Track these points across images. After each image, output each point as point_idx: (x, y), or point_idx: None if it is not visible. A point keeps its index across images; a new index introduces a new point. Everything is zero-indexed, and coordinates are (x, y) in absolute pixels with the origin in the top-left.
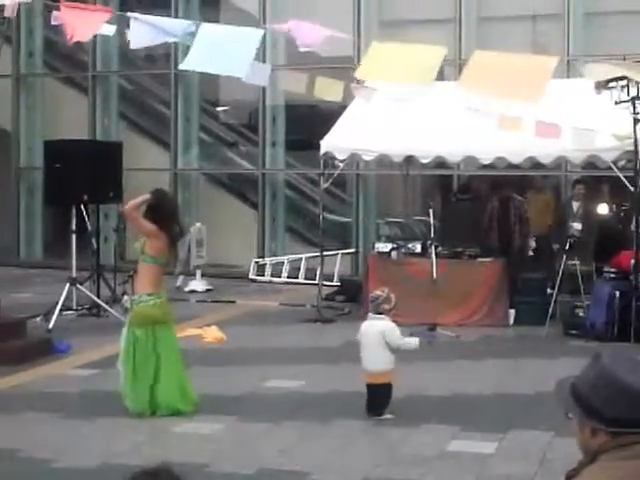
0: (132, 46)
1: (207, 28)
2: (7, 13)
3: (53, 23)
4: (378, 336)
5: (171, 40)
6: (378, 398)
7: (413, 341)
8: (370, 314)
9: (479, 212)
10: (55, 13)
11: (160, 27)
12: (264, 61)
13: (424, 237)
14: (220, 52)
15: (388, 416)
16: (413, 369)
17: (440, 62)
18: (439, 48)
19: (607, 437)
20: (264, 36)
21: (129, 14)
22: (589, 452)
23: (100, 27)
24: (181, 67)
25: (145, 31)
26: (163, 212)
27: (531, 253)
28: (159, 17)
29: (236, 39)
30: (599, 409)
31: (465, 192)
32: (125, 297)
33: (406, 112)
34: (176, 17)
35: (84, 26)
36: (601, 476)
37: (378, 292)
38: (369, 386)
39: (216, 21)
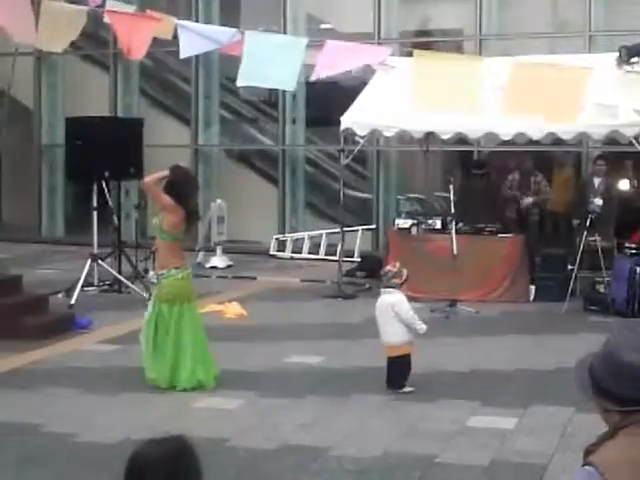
0: (182, 55)
1: (252, 37)
2: None
3: None
4: (389, 309)
5: (217, 48)
6: (397, 370)
7: (421, 325)
8: (381, 289)
9: (495, 187)
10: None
11: (207, 35)
12: None
13: (444, 213)
14: (269, 65)
15: (409, 389)
16: (433, 345)
17: (480, 71)
18: (478, 58)
19: (619, 416)
20: (284, 14)
21: (176, 21)
22: (609, 428)
23: (151, 37)
24: (238, 84)
25: (193, 40)
26: (181, 188)
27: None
28: (205, 25)
29: (282, 50)
30: (608, 388)
31: (480, 167)
32: (151, 272)
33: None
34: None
35: (137, 38)
36: (618, 451)
37: (389, 267)
38: (388, 359)
39: (237, 2)
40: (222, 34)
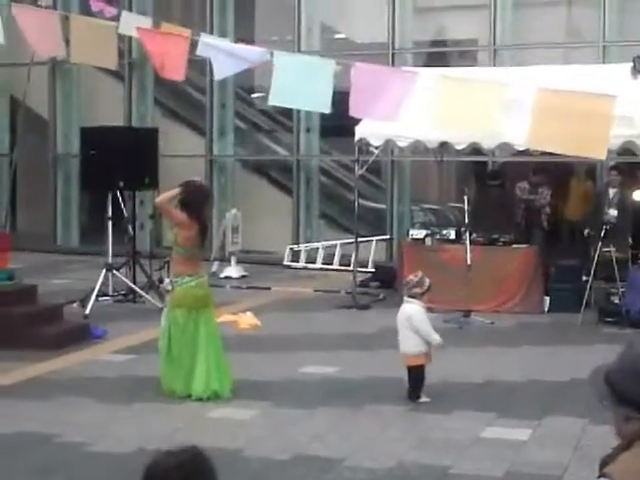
0: (217, 78)
1: (281, 57)
2: (42, 1)
3: (94, 10)
4: (406, 320)
5: (248, 67)
6: (411, 381)
7: (436, 337)
8: (404, 298)
9: (510, 197)
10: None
11: (237, 55)
12: (299, 48)
13: (458, 223)
14: (300, 86)
15: (424, 399)
16: (448, 355)
17: (500, 101)
18: (502, 85)
19: None
20: (298, 24)
21: (205, 40)
22: (624, 439)
23: (186, 57)
24: (269, 103)
25: (225, 61)
26: (194, 203)
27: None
28: (235, 45)
29: (312, 72)
30: (632, 396)
31: (495, 178)
32: (166, 280)
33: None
34: (211, 4)
35: (170, 57)
36: (634, 463)
37: (411, 276)
38: (407, 368)
39: (251, 8)
40: (252, 54)
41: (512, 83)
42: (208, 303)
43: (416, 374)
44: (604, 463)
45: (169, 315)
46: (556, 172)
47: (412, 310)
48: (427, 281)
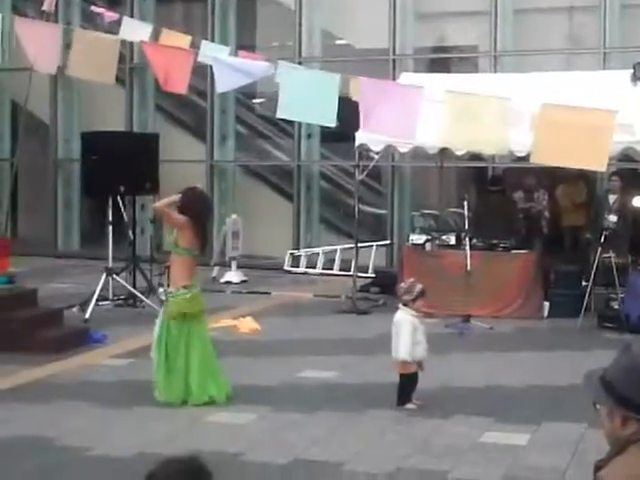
0: (218, 91)
1: (285, 71)
2: (45, 7)
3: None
4: (394, 326)
5: (252, 81)
6: (399, 387)
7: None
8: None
9: (510, 203)
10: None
11: (241, 69)
12: (300, 53)
13: (458, 229)
14: (306, 101)
15: (410, 406)
16: (447, 360)
17: (504, 112)
18: (506, 99)
19: (638, 426)
20: (299, 29)
21: (211, 55)
22: (618, 442)
23: (190, 71)
24: (277, 116)
25: (228, 74)
26: (193, 208)
27: None
28: (238, 59)
29: (316, 86)
30: (631, 397)
31: (495, 184)
32: (161, 289)
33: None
34: (212, 10)
35: (174, 71)
36: (629, 466)
37: (402, 283)
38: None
39: (253, 14)
40: (256, 68)
41: (516, 98)
42: (201, 313)
43: (402, 381)
44: (598, 467)
45: (163, 327)
46: (551, 174)
47: (399, 317)
48: (417, 288)
